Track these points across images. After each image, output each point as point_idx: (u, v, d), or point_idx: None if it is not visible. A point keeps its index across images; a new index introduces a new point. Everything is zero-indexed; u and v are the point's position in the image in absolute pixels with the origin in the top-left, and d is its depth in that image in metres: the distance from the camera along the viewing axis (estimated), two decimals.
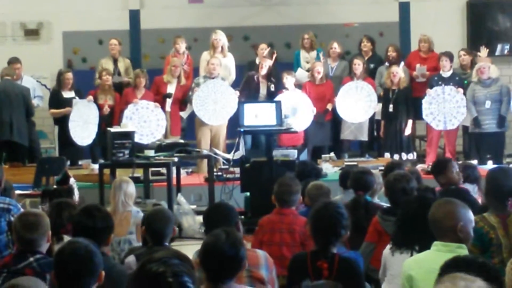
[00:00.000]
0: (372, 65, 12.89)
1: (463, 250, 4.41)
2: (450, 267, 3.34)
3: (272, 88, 12.25)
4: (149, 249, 5.10)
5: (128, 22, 14.83)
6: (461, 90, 12.05)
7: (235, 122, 11.01)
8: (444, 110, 12.06)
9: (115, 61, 12.97)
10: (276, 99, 11.40)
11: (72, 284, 3.63)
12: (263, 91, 12.30)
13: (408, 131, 12.30)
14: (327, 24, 14.50)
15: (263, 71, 12.26)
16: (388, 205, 6.38)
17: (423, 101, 12.11)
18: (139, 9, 14.91)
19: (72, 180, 8.70)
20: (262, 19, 14.77)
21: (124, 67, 13.03)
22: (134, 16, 14.87)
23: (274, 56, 12.62)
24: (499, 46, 14.46)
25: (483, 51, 12.76)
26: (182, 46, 12.78)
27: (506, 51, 14.54)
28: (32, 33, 14.85)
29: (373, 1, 14.70)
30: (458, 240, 4.41)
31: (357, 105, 12.21)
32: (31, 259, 4.56)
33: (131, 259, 5.07)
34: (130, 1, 14.87)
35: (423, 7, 14.62)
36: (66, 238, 5.09)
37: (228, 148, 11.73)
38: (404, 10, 14.75)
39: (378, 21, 14.58)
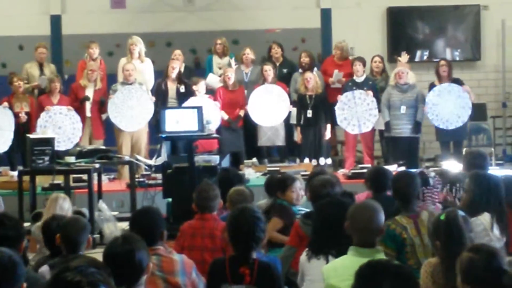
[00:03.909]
0: (285, 70, 12.99)
1: (379, 254, 4.48)
2: (365, 271, 3.37)
3: (182, 89, 12.28)
4: (64, 258, 5.05)
5: (49, 27, 14.65)
6: (370, 93, 12.18)
7: (156, 128, 10.96)
8: (357, 114, 12.20)
9: (41, 66, 12.82)
10: (184, 104, 11.61)
11: None
12: (172, 94, 12.34)
13: (328, 135, 12.43)
14: (249, 30, 14.57)
15: (174, 73, 12.31)
16: (310, 209, 6.43)
17: (336, 107, 12.23)
18: (60, 14, 14.74)
19: None
20: (185, 24, 14.74)
21: (50, 72, 12.86)
22: (56, 21, 14.69)
23: (182, 58, 12.80)
24: (418, 53, 14.72)
25: (404, 56, 12.94)
26: (96, 51, 12.74)
27: (425, 57, 14.80)
28: None
29: (295, 7, 14.80)
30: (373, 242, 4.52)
31: (270, 108, 12.27)
32: None
33: (44, 269, 4.98)
34: (51, 6, 14.69)
35: (344, 14, 14.77)
36: None
37: (150, 154, 11.67)
38: (326, 16, 14.88)
39: (300, 27, 14.70)
